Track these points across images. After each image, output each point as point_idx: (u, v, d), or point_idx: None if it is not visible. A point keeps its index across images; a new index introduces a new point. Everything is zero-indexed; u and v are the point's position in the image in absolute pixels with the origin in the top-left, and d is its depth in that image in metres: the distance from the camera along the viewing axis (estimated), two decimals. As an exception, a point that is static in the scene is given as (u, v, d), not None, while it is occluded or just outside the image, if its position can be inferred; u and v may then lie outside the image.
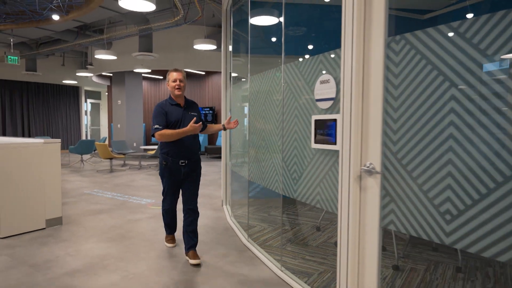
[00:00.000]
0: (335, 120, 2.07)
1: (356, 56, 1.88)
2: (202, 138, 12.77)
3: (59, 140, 4.03)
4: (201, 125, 2.75)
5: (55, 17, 6.55)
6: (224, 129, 3.11)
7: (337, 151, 2.11)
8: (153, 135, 2.82)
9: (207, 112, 12.97)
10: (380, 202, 1.85)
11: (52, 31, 9.12)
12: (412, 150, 1.71)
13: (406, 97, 1.73)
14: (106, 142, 14.51)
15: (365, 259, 1.93)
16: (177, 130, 2.78)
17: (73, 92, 15.66)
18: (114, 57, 8.29)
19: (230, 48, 4.38)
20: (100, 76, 13.69)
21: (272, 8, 3.11)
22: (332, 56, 2.17)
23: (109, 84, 14.65)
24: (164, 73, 13.15)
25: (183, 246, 3.30)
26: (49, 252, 3.16)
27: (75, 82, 14.21)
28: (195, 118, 2.80)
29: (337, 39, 2.01)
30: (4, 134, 13.63)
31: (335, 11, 2.07)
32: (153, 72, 12.83)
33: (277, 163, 2.88)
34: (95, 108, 17.36)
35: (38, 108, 14.41)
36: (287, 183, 2.68)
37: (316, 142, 2.24)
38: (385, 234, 3.47)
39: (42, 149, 3.84)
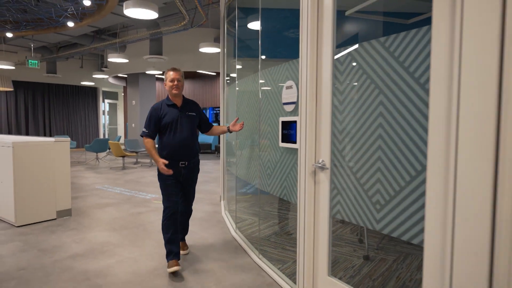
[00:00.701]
0: (295, 121, 2.33)
1: (309, 65, 2.14)
2: (212, 137, 13.13)
3: (69, 139, 4.42)
4: (169, 171, 2.72)
5: (70, 23, 7.01)
6: (229, 131, 3.01)
7: (297, 149, 2.36)
8: (141, 135, 2.85)
9: (217, 112, 13.32)
10: (330, 194, 2.10)
11: (70, 36, 9.67)
12: (353, 148, 1.95)
13: (348, 102, 1.98)
14: (122, 141, 15.10)
15: (318, 242, 2.19)
16: (152, 152, 2.75)
17: (92, 93, 16.34)
18: (126, 60, 8.73)
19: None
20: (116, 77, 14.26)
21: (254, 16, 3.36)
22: (295, 64, 2.43)
23: (124, 85, 15.22)
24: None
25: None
26: (57, 239, 3.54)
27: (93, 83, 14.83)
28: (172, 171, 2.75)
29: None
30: (27, 133, 14.40)
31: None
32: (166, 73, 13.29)
33: (256, 160, 3.15)
34: (113, 108, 18.03)
35: (58, 108, 15.13)
36: (263, 179, 2.95)
37: (282, 141, 2.50)
38: (362, 227, 3.69)
39: (53, 147, 4.24)
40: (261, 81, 2.97)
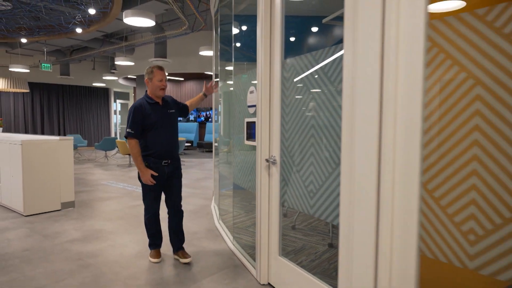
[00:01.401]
0: (255, 122, 2.66)
1: (263, 72, 2.47)
2: (193, 134, 13.52)
3: (72, 137, 4.86)
4: (153, 182, 2.75)
5: (78, 30, 7.50)
6: (205, 95, 3.09)
7: (255, 146, 2.70)
8: (126, 137, 2.77)
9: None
10: (280, 185, 2.43)
11: (81, 40, 10.21)
12: (295, 146, 2.28)
13: (292, 104, 2.31)
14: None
15: (272, 227, 2.52)
16: (139, 159, 2.73)
17: (104, 94, 16.97)
18: (132, 63, 9.18)
19: (210, 53, 5.03)
20: (127, 78, 14.82)
21: (229, 23, 3.66)
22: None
23: (135, 86, 15.77)
24: (180, 75, 14.02)
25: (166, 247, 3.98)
26: (59, 227, 3.97)
27: (104, 84, 15.42)
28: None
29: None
30: (42, 132, 15.11)
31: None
32: (174, 74, 13.75)
33: (231, 157, 3.50)
34: (124, 108, 18.64)
35: (72, 108, 15.80)
36: (236, 174, 3.30)
37: (247, 139, 2.84)
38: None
39: (58, 144, 4.68)
40: (233, 85, 3.32)
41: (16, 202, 4.53)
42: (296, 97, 2.25)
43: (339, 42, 1.92)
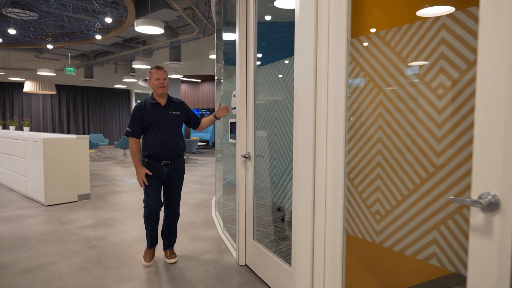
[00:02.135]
0: (235, 122, 3.01)
1: (240, 78, 2.82)
2: (209, 133, 13.94)
3: (88, 136, 5.37)
4: (145, 182, 2.78)
5: (98, 36, 8.09)
6: (216, 118, 3.01)
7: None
8: (125, 135, 2.87)
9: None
10: (253, 178, 2.78)
11: (102, 45, 10.87)
12: (264, 143, 2.62)
13: (263, 106, 2.65)
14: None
15: (247, 214, 2.86)
16: (135, 158, 2.78)
17: (125, 95, 17.77)
18: (148, 67, 9.73)
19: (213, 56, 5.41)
20: (146, 80, 15.50)
21: (225, 28, 4.00)
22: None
23: (154, 87, 16.45)
24: (196, 77, 14.54)
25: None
26: (74, 215, 4.46)
27: (125, 86, 16.17)
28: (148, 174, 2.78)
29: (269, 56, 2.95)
30: (68, 132, 16.03)
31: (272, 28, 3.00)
32: (190, 76, 14.30)
33: (223, 154, 3.87)
34: (145, 108, 19.43)
35: (95, 109, 16.67)
36: (225, 170, 3.66)
37: (230, 137, 3.20)
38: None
39: (75, 142, 5.20)
40: (226, 88, 3.68)
41: (38, 193, 5.08)
42: (265, 99, 2.59)
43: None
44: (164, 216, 3.01)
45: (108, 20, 6.81)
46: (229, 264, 2.98)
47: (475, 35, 1.25)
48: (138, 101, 2.87)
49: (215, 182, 5.69)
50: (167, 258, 3.00)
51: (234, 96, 3.14)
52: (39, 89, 11.72)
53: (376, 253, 1.77)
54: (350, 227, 1.78)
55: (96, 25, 7.59)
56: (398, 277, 1.74)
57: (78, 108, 16.18)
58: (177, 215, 3.02)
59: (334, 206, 1.84)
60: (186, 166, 9.42)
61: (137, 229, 3.90)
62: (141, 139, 2.87)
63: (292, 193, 2.07)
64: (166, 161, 2.83)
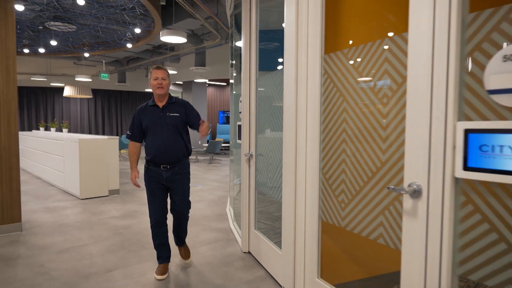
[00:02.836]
0: (240, 125, 3.38)
1: (244, 84, 3.19)
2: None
3: (118, 137, 5.92)
4: (137, 185, 2.77)
5: (129, 45, 8.74)
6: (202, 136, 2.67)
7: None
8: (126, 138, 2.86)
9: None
10: (255, 173, 3.13)
11: (133, 52, 11.61)
12: (263, 143, 2.97)
13: (259, 111, 3.00)
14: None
15: (250, 206, 3.22)
16: (131, 159, 2.79)
17: (155, 98, 18.65)
18: (174, 72, 10.32)
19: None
20: (175, 84, 16.23)
21: (239, 37, 4.36)
22: (245, 85, 3.48)
23: (182, 91, 17.16)
24: (222, 81, 15.07)
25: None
26: (104, 207, 5.00)
27: (155, 90, 16.99)
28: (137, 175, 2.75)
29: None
30: (103, 133, 17.06)
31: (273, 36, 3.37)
32: (216, 80, 14.86)
33: (234, 155, 4.24)
34: (174, 111, 20.26)
35: (128, 111, 17.62)
36: (238, 169, 4.03)
37: (238, 138, 3.57)
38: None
39: (106, 143, 5.77)
40: (237, 93, 4.06)
41: (74, 188, 5.69)
42: (261, 106, 2.94)
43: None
44: (173, 218, 2.88)
45: (138, 30, 7.40)
46: (234, 251, 3.35)
47: (406, 54, 1.55)
48: (140, 105, 2.84)
49: (229, 180, 6.09)
50: (184, 259, 3.07)
51: (241, 102, 3.51)
52: (77, 94, 12.66)
53: (343, 235, 2.08)
54: (324, 215, 2.09)
55: (127, 35, 8.24)
56: (365, 258, 2.04)
57: (112, 111, 17.18)
58: (186, 218, 2.89)
59: (312, 198, 2.17)
60: (209, 166, 9.90)
61: (158, 220, 4.36)
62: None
63: (282, 188, 2.41)
64: (165, 165, 2.69)
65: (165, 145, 2.67)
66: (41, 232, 3.86)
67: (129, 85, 15.77)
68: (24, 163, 8.45)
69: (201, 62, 10.69)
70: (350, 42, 1.96)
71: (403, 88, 1.57)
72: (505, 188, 1.22)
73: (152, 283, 2.66)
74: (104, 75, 10.67)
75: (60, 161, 6.23)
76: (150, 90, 16.65)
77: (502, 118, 1.22)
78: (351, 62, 1.85)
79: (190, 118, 2.78)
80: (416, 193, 1.47)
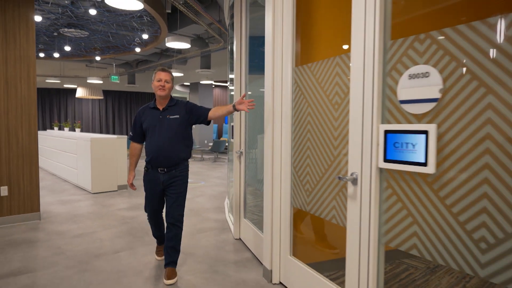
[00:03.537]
0: (233, 125, 3.80)
1: (236, 88, 3.60)
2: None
3: (127, 136, 6.39)
4: (133, 187, 2.88)
5: (137, 49, 9.23)
6: (235, 109, 2.65)
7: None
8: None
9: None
10: (245, 169, 3.54)
11: (142, 55, 12.12)
12: (251, 141, 3.37)
13: (252, 112, 3.40)
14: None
15: (240, 197, 3.63)
16: (130, 161, 2.88)
17: (164, 99, 19.18)
18: (181, 74, 10.78)
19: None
20: (183, 85, 16.73)
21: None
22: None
23: (189, 92, 17.66)
24: (227, 82, 15.51)
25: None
26: (113, 200, 5.47)
27: (164, 90, 17.50)
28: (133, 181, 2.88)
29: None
30: (114, 132, 17.65)
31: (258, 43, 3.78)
32: (221, 81, 15.31)
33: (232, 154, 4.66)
34: (182, 111, 20.79)
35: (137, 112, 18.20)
36: (232, 167, 4.45)
37: (231, 137, 3.98)
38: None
39: (116, 141, 6.24)
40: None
41: (86, 183, 6.17)
42: (256, 107, 3.34)
43: (267, 74, 2.98)
44: (166, 227, 2.75)
45: (145, 36, 7.87)
46: (227, 238, 3.76)
47: (349, 70, 1.94)
48: (142, 106, 2.88)
49: (227, 175, 6.51)
50: (164, 279, 2.65)
51: (233, 104, 3.92)
52: (89, 95, 13.23)
53: (309, 219, 2.48)
54: (294, 201, 2.49)
55: (135, 40, 8.73)
56: (329, 239, 2.43)
57: (122, 111, 17.77)
58: (178, 228, 2.70)
59: (285, 187, 2.56)
60: (214, 165, 10.34)
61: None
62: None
63: (264, 180, 2.81)
64: (162, 168, 2.69)
65: (162, 148, 2.65)
66: (57, 221, 4.34)
67: (138, 86, 16.31)
68: (39, 161, 9.01)
69: (206, 64, 11.13)
70: (314, 57, 2.36)
71: (348, 97, 1.96)
72: (410, 175, 1.60)
73: (153, 262, 3.09)
74: (114, 77, 11.20)
75: (73, 158, 6.73)
76: (158, 91, 17.11)
77: (409, 121, 1.60)
78: (314, 74, 2.24)
79: (195, 114, 2.75)
80: (355, 181, 1.86)
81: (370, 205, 1.75)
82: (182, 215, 2.74)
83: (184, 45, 6.79)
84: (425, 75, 1.51)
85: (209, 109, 2.76)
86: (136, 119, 2.81)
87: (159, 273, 2.86)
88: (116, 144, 6.26)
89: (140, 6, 4.39)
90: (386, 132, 1.66)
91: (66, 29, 7.75)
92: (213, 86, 16.59)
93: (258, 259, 3.13)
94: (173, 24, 8.57)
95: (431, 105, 1.49)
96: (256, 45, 3.43)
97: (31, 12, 4.20)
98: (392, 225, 1.69)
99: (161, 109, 2.73)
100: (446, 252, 1.47)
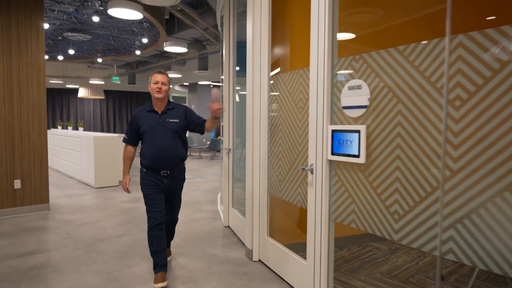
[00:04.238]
0: (223, 125, 4.24)
1: (225, 87, 4.04)
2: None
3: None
4: (128, 191, 2.78)
5: (137, 52, 9.68)
6: (215, 117, 2.71)
7: (218, 139, 4.27)
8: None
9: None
10: (232, 164, 3.98)
11: (142, 56, 12.56)
12: (240, 138, 3.82)
13: (237, 113, 3.85)
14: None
15: (228, 189, 4.08)
16: (124, 164, 2.78)
17: (164, 98, 19.63)
18: (179, 75, 11.22)
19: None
20: (182, 85, 17.17)
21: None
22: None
23: (187, 91, 18.09)
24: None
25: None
26: (115, 194, 5.92)
27: (163, 90, 17.94)
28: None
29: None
30: (114, 131, 18.11)
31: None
32: (217, 81, 15.77)
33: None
34: (181, 110, 21.22)
35: (137, 111, 18.66)
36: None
37: (221, 135, 4.43)
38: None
39: (117, 139, 6.69)
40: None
41: (90, 178, 6.62)
42: (238, 105, 3.79)
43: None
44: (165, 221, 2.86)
45: (145, 40, 8.31)
46: (217, 225, 4.21)
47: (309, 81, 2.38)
48: (137, 109, 2.81)
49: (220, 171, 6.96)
50: (155, 283, 2.61)
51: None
52: (90, 95, 13.68)
53: (283, 204, 2.93)
54: (270, 190, 2.94)
55: (136, 43, 9.17)
56: (299, 222, 2.88)
57: (122, 110, 18.22)
58: (176, 220, 3.03)
59: (263, 178, 3.01)
60: (211, 162, 10.79)
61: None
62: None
63: (246, 173, 3.25)
64: (165, 171, 2.70)
65: (166, 151, 2.65)
66: (65, 211, 4.79)
67: (138, 86, 16.75)
68: (44, 158, 9.45)
69: (203, 66, 11.57)
70: (285, 68, 2.80)
71: (308, 103, 2.40)
72: (350, 165, 2.04)
73: (151, 244, 3.53)
74: (115, 78, 11.64)
75: (77, 156, 7.18)
76: (158, 91, 17.55)
77: (348, 123, 2.04)
78: (285, 82, 2.69)
79: (192, 121, 2.79)
80: (312, 171, 2.30)
81: (322, 190, 2.20)
82: (178, 212, 3.02)
83: (181, 49, 7.23)
84: (359, 87, 1.95)
85: (205, 120, 2.82)
86: (133, 122, 2.73)
87: (155, 253, 3.32)
88: (118, 142, 6.70)
89: (140, 16, 4.82)
90: (333, 131, 2.11)
91: (70, 33, 8.19)
92: (211, 86, 17.03)
93: (243, 242, 3.58)
94: (172, 28, 9.01)
95: (362, 111, 1.94)
96: (244, 50, 3.86)
97: (41, 21, 4.64)
98: (338, 205, 2.14)
99: (159, 112, 2.71)
100: (373, 223, 1.91)
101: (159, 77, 2.67)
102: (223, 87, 4.08)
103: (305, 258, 2.46)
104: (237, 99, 3.90)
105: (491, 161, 1.41)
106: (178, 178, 2.79)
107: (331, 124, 2.16)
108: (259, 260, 3.12)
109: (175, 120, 2.72)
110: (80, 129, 9.46)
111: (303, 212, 2.68)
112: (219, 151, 14.33)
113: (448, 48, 1.53)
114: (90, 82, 12.00)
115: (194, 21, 7.09)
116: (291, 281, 2.63)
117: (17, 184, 4.53)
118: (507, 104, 1.36)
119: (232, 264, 3.08)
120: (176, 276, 2.86)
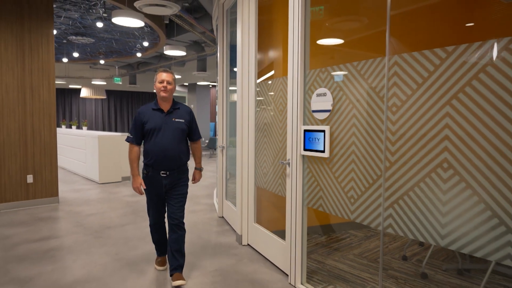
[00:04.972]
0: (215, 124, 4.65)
1: (219, 89, 4.46)
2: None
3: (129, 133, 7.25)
4: (142, 193, 2.68)
5: (138, 54, 10.08)
6: (195, 169, 3.00)
7: (216, 138, 4.68)
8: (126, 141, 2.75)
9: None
10: (226, 160, 4.40)
11: (143, 58, 12.96)
12: (231, 138, 4.23)
13: (230, 112, 4.27)
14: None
15: (223, 182, 4.50)
16: (133, 165, 2.69)
17: (164, 98, 20.04)
18: (179, 76, 11.62)
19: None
20: (182, 85, 17.58)
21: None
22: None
23: (187, 91, 18.50)
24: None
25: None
26: (118, 189, 6.34)
27: (163, 90, 18.35)
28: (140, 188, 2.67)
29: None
30: (116, 130, 18.52)
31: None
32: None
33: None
34: (181, 109, 21.63)
35: (138, 110, 19.08)
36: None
37: (215, 136, 4.84)
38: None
39: (120, 138, 7.11)
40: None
41: (94, 175, 7.04)
42: (230, 107, 4.20)
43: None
44: (169, 232, 2.71)
45: (146, 43, 8.72)
46: (212, 216, 4.63)
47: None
48: (142, 106, 2.75)
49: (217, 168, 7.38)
50: (173, 280, 2.60)
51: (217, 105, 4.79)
52: (92, 95, 14.10)
53: (267, 195, 3.35)
54: (258, 182, 3.36)
55: (137, 46, 9.58)
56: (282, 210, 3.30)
57: (124, 110, 18.65)
58: (182, 230, 2.72)
59: (251, 171, 3.42)
60: (209, 160, 11.21)
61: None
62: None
63: (236, 167, 3.67)
64: (164, 172, 2.65)
65: (168, 150, 2.62)
66: (73, 204, 5.21)
67: (139, 87, 17.17)
68: (49, 156, 9.87)
69: (202, 67, 11.99)
70: (269, 75, 3.21)
71: (286, 107, 2.81)
72: (318, 158, 2.46)
73: (152, 232, 3.96)
74: (117, 79, 12.04)
75: (82, 153, 7.59)
76: (158, 91, 17.97)
77: (317, 124, 2.46)
78: (268, 88, 3.10)
79: (191, 128, 2.81)
80: (289, 164, 2.72)
81: (297, 180, 2.61)
82: (184, 216, 2.75)
83: (180, 53, 7.64)
84: (324, 94, 2.37)
85: (200, 137, 2.93)
86: (137, 120, 2.67)
87: (156, 239, 3.74)
88: (121, 141, 7.12)
89: (141, 24, 5.21)
90: (305, 130, 2.52)
91: (74, 37, 8.59)
92: (210, 86, 17.44)
93: (234, 230, 4.00)
94: (171, 31, 9.42)
95: (327, 114, 2.35)
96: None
97: (51, 29, 5.05)
98: (309, 193, 2.55)
99: (165, 111, 2.68)
100: (335, 206, 2.33)
101: (164, 76, 2.63)
102: (217, 90, 4.49)
103: (285, 239, 2.88)
104: (235, 98, 4.31)
105: (418, 153, 1.82)
106: (179, 178, 2.73)
107: (303, 124, 2.57)
108: (248, 244, 3.54)
109: (180, 120, 2.70)
110: (84, 128, 9.87)
111: (284, 201, 3.10)
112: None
113: (387, 65, 1.94)
114: (93, 82, 12.42)
115: (192, 26, 7.50)
116: (274, 260, 3.05)
117: (30, 178, 4.95)
118: (428, 109, 1.77)
119: (224, 247, 3.50)
120: (175, 256, 3.28)
